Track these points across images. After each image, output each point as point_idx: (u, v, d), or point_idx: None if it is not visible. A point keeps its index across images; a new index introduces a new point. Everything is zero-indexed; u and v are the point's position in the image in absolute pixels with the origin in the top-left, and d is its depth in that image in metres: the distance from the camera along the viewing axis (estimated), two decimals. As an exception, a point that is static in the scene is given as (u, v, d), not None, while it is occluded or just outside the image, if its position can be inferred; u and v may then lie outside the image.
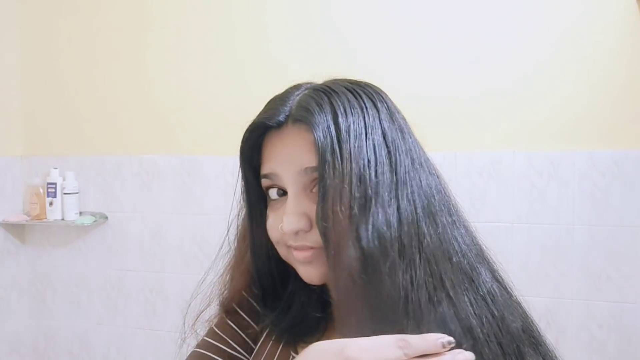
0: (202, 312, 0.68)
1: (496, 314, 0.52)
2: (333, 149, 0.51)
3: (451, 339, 0.42)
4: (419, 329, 0.46)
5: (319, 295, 0.64)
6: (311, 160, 0.53)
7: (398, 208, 0.51)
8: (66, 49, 2.13)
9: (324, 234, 0.51)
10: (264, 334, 0.66)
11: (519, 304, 0.57)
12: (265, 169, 0.58)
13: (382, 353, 0.40)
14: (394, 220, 0.50)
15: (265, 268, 0.64)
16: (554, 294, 1.68)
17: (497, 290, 0.54)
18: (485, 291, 0.53)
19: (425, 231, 0.51)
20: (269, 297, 0.65)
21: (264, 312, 0.66)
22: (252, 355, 0.66)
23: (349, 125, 0.52)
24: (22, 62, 2.19)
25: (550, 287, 1.68)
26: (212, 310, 0.68)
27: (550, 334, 0.58)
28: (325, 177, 0.51)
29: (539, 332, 0.56)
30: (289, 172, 0.55)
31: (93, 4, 2.09)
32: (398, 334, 0.42)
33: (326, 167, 0.51)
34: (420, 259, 0.50)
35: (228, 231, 0.67)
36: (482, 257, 0.56)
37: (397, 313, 0.47)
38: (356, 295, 0.48)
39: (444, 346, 0.41)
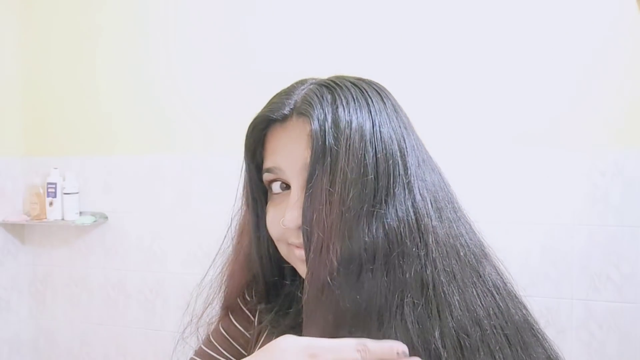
0: (205, 309, 0.67)
1: (501, 306, 0.54)
2: (328, 145, 0.51)
3: (405, 349, 0.45)
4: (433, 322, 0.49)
5: None
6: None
7: (413, 203, 0.52)
8: (66, 49, 2.13)
9: (305, 234, 0.51)
10: (264, 335, 0.65)
11: (517, 296, 0.58)
12: (269, 163, 0.58)
13: (342, 354, 0.44)
14: (410, 215, 0.51)
15: (267, 264, 0.63)
16: (554, 294, 1.68)
17: (500, 284, 0.56)
18: (491, 284, 0.55)
19: (437, 225, 0.52)
20: (272, 294, 0.65)
21: (264, 310, 0.65)
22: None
23: (351, 119, 0.52)
24: (22, 62, 2.19)
25: (550, 287, 1.68)
26: (214, 308, 0.68)
27: (550, 334, 0.61)
28: (314, 175, 0.50)
29: (537, 323, 0.58)
30: (293, 166, 0.55)
31: (93, 4, 2.09)
32: (360, 338, 0.45)
33: (317, 164, 0.51)
34: (434, 252, 0.51)
35: (230, 226, 0.67)
36: (484, 252, 0.58)
37: (380, 314, 0.48)
38: (333, 297, 0.49)
39: (397, 354, 0.45)
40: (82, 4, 2.11)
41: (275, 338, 0.63)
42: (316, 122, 0.52)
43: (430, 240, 0.51)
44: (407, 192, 0.52)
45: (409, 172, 0.53)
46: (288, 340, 0.45)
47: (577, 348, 1.66)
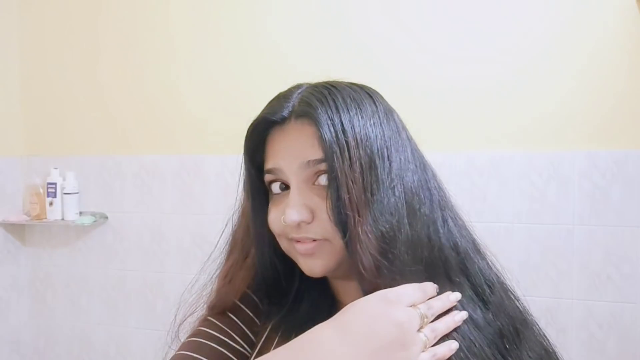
0: (190, 315, 0.66)
1: (494, 300, 0.57)
2: (338, 139, 0.53)
3: (458, 295, 0.54)
4: None
5: (329, 290, 0.64)
6: (314, 154, 0.55)
7: (398, 196, 0.54)
8: (66, 49, 2.13)
9: (340, 218, 0.53)
10: (267, 331, 0.65)
11: (511, 289, 0.62)
12: (269, 164, 0.59)
13: (413, 296, 0.50)
14: (397, 208, 0.54)
15: (268, 262, 0.64)
16: (554, 294, 1.68)
17: (494, 278, 0.60)
18: (483, 280, 0.58)
19: (407, 223, 0.54)
20: (273, 293, 0.65)
21: (270, 308, 0.65)
22: (256, 351, 0.64)
23: (352, 117, 0.55)
24: (22, 62, 2.19)
25: (550, 287, 1.68)
26: (200, 313, 0.66)
27: (550, 334, 0.62)
28: (335, 167, 0.53)
29: (531, 315, 0.61)
30: (292, 166, 0.57)
31: (93, 4, 2.09)
32: (415, 283, 0.51)
33: (334, 157, 0.53)
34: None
35: (223, 230, 0.67)
36: (477, 248, 0.61)
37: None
38: (384, 274, 0.52)
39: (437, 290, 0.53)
40: (83, 4, 2.11)
41: (282, 333, 0.63)
42: (321, 121, 0.54)
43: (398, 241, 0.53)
44: (390, 189, 0.54)
45: (392, 170, 0.55)
46: (364, 300, 0.49)
47: (577, 348, 1.66)
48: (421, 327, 0.49)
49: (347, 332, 0.46)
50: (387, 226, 0.52)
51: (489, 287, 0.58)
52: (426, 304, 0.50)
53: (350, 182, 0.52)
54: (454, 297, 0.53)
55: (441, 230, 0.57)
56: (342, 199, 0.52)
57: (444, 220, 0.58)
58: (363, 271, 0.51)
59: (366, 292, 0.51)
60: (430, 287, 0.52)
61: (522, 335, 0.57)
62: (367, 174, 0.53)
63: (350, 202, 0.52)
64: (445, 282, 0.55)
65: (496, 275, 0.60)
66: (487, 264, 0.60)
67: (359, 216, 0.51)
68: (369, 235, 0.51)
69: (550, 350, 0.60)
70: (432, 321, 0.50)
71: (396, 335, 0.45)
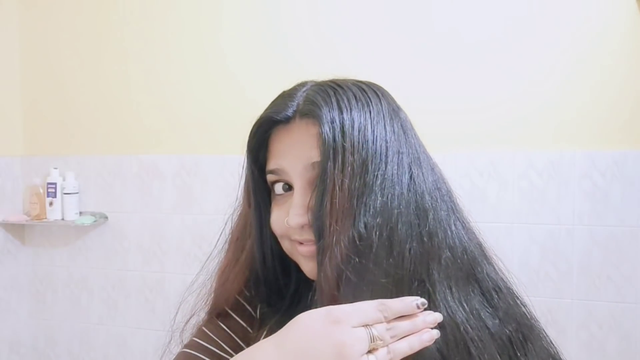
0: (191, 317, 0.66)
1: (502, 305, 0.56)
2: (336, 142, 0.52)
3: (424, 300, 0.48)
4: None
5: None
6: (318, 155, 0.54)
7: (389, 200, 0.52)
8: (66, 48, 2.13)
9: (319, 224, 0.52)
10: (262, 337, 0.63)
11: (518, 295, 0.60)
12: (272, 165, 0.58)
13: (364, 315, 0.45)
14: (384, 213, 0.52)
15: (269, 264, 0.63)
16: (554, 294, 1.68)
17: (501, 283, 0.58)
18: (491, 285, 0.57)
19: (417, 225, 0.53)
20: (270, 295, 0.64)
21: (266, 313, 0.64)
22: None
23: (354, 119, 0.53)
24: (22, 62, 2.19)
25: (550, 287, 1.68)
26: (200, 317, 0.66)
27: (550, 334, 0.61)
28: (327, 170, 0.51)
29: (537, 320, 0.60)
30: (296, 167, 0.56)
31: (93, 3, 2.09)
32: (378, 299, 0.47)
33: (328, 162, 0.52)
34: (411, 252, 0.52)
35: (223, 229, 0.67)
36: (482, 252, 0.59)
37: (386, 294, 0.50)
38: (344, 283, 0.49)
39: (418, 307, 0.48)
40: (83, 4, 2.10)
41: None
42: (324, 122, 0.53)
43: (408, 240, 0.51)
44: (384, 192, 0.52)
45: (390, 171, 0.53)
46: (307, 315, 0.46)
47: (577, 348, 1.66)
48: (373, 350, 0.45)
49: (283, 350, 0.44)
50: (363, 229, 0.49)
51: (497, 292, 0.56)
52: (385, 325, 0.46)
53: (337, 189, 0.50)
54: (431, 318, 0.48)
55: (449, 234, 0.55)
56: (324, 204, 0.51)
57: (454, 223, 0.56)
58: (323, 281, 0.50)
59: (322, 306, 0.48)
60: (402, 303, 0.48)
61: (529, 342, 0.56)
62: (356, 179, 0.51)
63: (332, 209, 0.50)
64: (453, 286, 0.53)
65: (502, 280, 0.59)
66: (494, 268, 0.59)
67: (336, 224, 0.50)
68: (341, 244, 0.49)
69: (558, 358, 0.59)
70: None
71: (334, 358, 0.43)
